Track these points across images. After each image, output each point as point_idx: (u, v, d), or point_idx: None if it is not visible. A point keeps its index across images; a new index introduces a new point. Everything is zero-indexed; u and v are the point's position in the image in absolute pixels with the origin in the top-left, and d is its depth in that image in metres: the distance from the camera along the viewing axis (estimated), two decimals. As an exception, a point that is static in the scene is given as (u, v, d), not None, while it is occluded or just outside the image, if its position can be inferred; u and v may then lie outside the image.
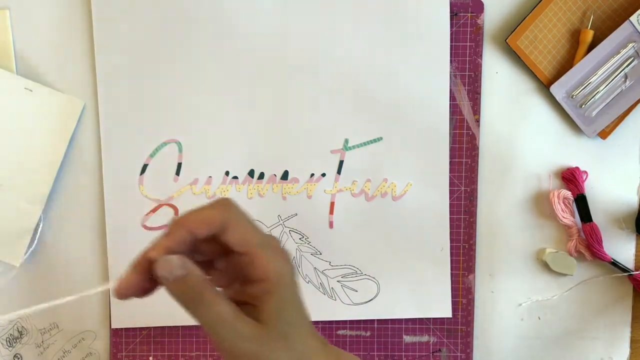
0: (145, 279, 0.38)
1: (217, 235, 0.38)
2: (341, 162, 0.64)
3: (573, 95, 0.63)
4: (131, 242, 0.63)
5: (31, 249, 0.63)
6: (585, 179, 0.65)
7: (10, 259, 0.62)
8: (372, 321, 0.66)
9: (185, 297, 0.37)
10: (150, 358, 0.65)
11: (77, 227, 0.64)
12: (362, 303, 0.65)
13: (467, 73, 0.63)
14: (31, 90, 0.61)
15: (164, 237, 0.38)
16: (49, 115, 0.61)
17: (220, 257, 0.41)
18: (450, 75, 0.63)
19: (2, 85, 0.61)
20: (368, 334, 0.66)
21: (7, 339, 0.65)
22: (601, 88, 0.63)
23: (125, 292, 0.39)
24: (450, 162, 0.64)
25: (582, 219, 0.65)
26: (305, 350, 0.40)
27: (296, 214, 0.64)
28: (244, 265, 0.39)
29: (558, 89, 0.63)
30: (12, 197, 0.61)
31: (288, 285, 0.39)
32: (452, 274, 0.65)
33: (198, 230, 0.38)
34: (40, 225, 0.63)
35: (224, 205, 0.39)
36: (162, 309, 0.64)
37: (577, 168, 0.65)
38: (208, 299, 0.37)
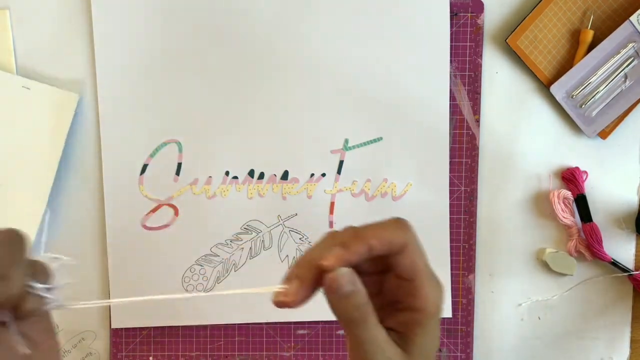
0: (312, 287, 0.37)
1: (389, 256, 0.37)
2: (341, 162, 0.64)
3: (573, 95, 0.63)
4: (131, 242, 0.63)
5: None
6: (585, 179, 0.65)
7: None
8: (372, 321, 0.66)
9: (348, 315, 0.36)
10: (150, 358, 0.65)
11: (77, 227, 0.64)
12: (362, 303, 0.65)
13: (467, 73, 0.63)
14: (29, 89, 0.61)
15: (341, 249, 0.36)
16: (46, 111, 0.61)
17: (375, 276, 0.40)
18: (450, 75, 0.63)
19: (1, 85, 0.61)
20: (368, 334, 0.66)
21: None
22: (601, 88, 0.63)
23: (296, 301, 0.37)
24: (450, 162, 0.64)
25: (582, 219, 0.65)
26: None
27: (296, 214, 0.64)
28: (404, 291, 0.38)
29: (558, 89, 0.63)
30: (13, 197, 0.61)
31: (438, 319, 0.39)
32: (452, 274, 0.65)
33: (378, 247, 0.36)
34: (46, 222, 0.63)
35: (405, 226, 0.38)
36: (162, 309, 0.64)
37: (577, 168, 0.65)
38: (369, 320, 0.36)
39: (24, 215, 0.62)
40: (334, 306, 0.36)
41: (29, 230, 0.62)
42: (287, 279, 0.37)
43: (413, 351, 0.38)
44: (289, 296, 0.36)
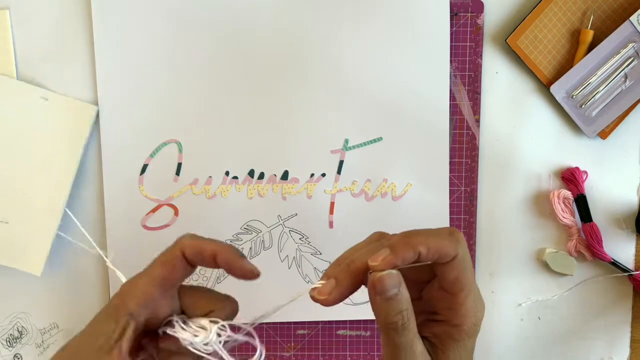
0: (356, 286, 0.37)
1: (435, 265, 0.37)
2: (341, 162, 0.64)
3: (573, 95, 0.63)
4: (131, 242, 0.63)
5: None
6: (585, 179, 0.65)
7: (32, 269, 0.62)
8: (372, 321, 0.66)
9: (390, 318, 0.36)
10: (150, 358, 0.65)
11: (77, 227, 0.64)
12: (362, 303, 0.65)
13: (467, 73, 0.63)
14: (47, 99, 0.61)
15: (390, 251, 0.36)
16: (64, 122, 0.62)
17: (417, 282, 0.40)
18: (450, 75, 0.63)
19: (19, 95, 0.61)
20: (368, 334, 0.66)
21: (7, 339, 0.65)
22: (601, 88, 0.63)
23: (329, 300, 0.37)
24: (450, 162, 0.64)
25: (582, 219, 0.65)
26: None
27: (296, 214, 0.64)
28: (445, 304, 0.38)
29: (558, 89, 0.63)
30: (31, 207, 0.62)
31: (475, 336, 0.39)
32: (452, 274, 0.65)
33: (427, 254, 0.36)
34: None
35: (457, 237, 0.38)
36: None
37: (577, 168, 0.65)
38: (409, 326, 0.36)
39: (43, 225, 0.62)
40: (377, 307, 0.36)
41: (48, 239, 0.62)
42: (325, 276, 0.37)
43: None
44: (322, 294, 0.37)
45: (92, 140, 0.63)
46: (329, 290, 0.37)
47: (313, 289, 0.37)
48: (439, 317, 0.38)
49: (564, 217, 0.64)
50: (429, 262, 0.37)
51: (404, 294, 0.36)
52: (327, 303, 0.37)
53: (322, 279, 0.37)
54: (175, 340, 0.37)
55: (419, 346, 0.37)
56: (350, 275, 0.37)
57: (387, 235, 0.38)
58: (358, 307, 0.66)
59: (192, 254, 0.37)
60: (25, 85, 0.61)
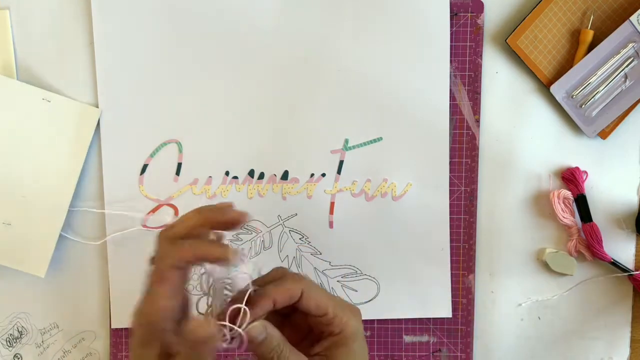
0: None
1: (296, 303, 0.44)
2: (341, 162, 0.64)
3: (573, 96, 0.63)
4: (131, 242, 0.63)
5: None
6: (585, 179, 0.65)
7: (35, 271, 0.62)
8: (372, 321, 0.66)
9: (267, 356, 0.42)
10: (150, 358, 0.65)
11: (78, 226, 0.64)
12: (362, 303, 0.65)
13: (467, 73, 0.63)
14: (49, 101, 0.61)
15: (252, 308, 0.41)
16: (67, 124, 0.62)
17: (296, 314, 0.47)
18: (450, 75, 0.63)
19: (21, 96, 0.61)
20: (368, 333, 0.66)
21: (7, 339, 0.65)
22: (601, 88, 0.63)
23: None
24: (450, 162, 0.64)
25: (582, 219, 0.65)
26: None
27: (296, 214, 0.64)
28: (321, 322, 0.45)
29: (558, 89, 0.63)
30: (35, 209, 0.62)
31: (360, 340, 0.46)
32: (452, 274, 0.65)
33: (280, 301, 0.43)
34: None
35: (297, 277, 0.45)
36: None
37: (577, 168, 0.65)
38: (286, 354, 0.42)
39: (44, 228, 0.62)
40: (255, 352, 0.42)
41: (47, 243, 0.62)
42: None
43: None
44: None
45: (93, 140, 0.63)
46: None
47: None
48: (324, 334, 0.45)
49: (564, 217, 0.64)
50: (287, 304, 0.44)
51: (272, 334, 0.42)
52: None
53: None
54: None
55: None
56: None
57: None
58: (359, 307, 0.66)
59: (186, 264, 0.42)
60: (27, 87, 0.61)
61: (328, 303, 0.45)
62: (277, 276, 0.45)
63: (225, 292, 0.42)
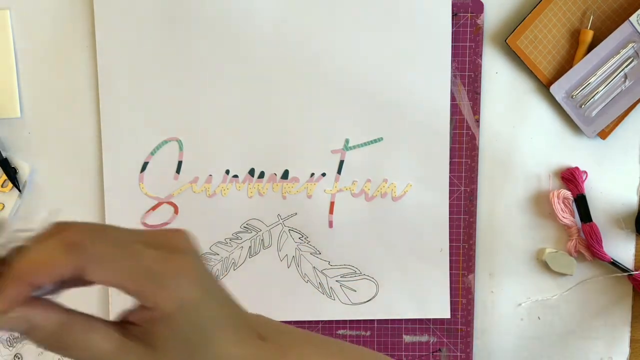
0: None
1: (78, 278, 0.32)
2: (341, 162, 0.64)
3: (573, 95, 0.63)
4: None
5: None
6: (585, 179, 0.65)
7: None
8: (372, 321, 0.66)
9: (51, 346, 0.32)
10: (150, 357, 0.65)
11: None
12: (361, 303, 0.65)
13: (467, 73, 0.64)
14: None
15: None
16: None
17: None
18: (450, 75, 0.63)
19: None
20: (368, 333, 0.66)
21: (7, 339, 0.65)
22: (601, 88, 0.63)
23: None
24: (450, 162, 0.64)
25: (582, 219, 0.65)
26: None
27: (296, 214, 0.64)
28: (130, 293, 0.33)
29: (558, 89, 0.63)
30: None
31: (194, 313, 0.34)
32: (451, 274, 0.65)
33: (42, 281, 0.31)
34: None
35: (76, 247, 0.31)
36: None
37: (577, 168, 0.65)
38: (77, 338, 0.32)
39: None
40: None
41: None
42: None
43: (157, 345, 0.33)
44: None
45: (93, 139, 0.63)
46: None
47: None
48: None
49: (563, 217, 0.64)
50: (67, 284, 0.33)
51: (39, 325, 0.32)
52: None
53: None
54: None
55: (111, 346, 0.33)
56: None
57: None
58: (357, 307, 0.66)
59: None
60: None
61: (122, 281, 0.32)
62: (48, 243, 0.32)
63: None
